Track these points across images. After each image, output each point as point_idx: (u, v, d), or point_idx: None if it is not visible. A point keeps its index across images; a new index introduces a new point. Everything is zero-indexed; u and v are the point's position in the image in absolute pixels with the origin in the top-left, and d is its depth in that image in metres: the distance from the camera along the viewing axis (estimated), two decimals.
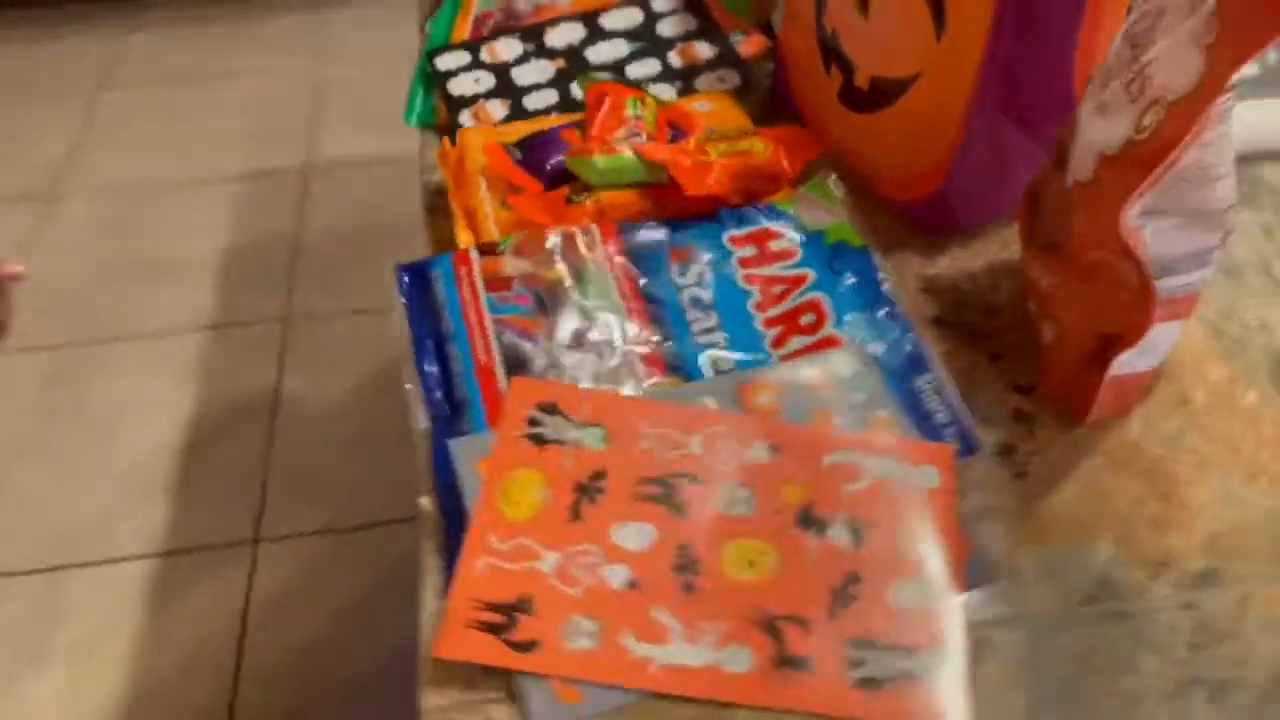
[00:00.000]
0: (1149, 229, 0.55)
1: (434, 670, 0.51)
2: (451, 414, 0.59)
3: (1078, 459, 0.59)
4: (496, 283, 0.63)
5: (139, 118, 2.62)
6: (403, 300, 0.64)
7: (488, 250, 0.65)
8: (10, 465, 1.80)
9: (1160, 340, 0.60)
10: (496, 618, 0.51)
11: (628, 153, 0.68)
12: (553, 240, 0.65)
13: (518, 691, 0.49)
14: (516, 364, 0.60)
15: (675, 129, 0.73)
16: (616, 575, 0.53)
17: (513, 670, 0.50)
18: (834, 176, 0.70)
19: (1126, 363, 0.59)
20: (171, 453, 1.85)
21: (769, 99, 0.85)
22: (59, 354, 2.07)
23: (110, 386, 1.98)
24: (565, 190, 0.69)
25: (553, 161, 0.71)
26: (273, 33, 2.87)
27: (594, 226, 0.66)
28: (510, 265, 0.64)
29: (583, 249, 0.65)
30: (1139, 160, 0.53)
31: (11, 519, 1.72)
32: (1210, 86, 0.49)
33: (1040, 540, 0.56)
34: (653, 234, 0.66)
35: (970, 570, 0.53)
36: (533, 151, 0.72)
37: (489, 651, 0.50)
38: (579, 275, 0.63)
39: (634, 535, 0.54)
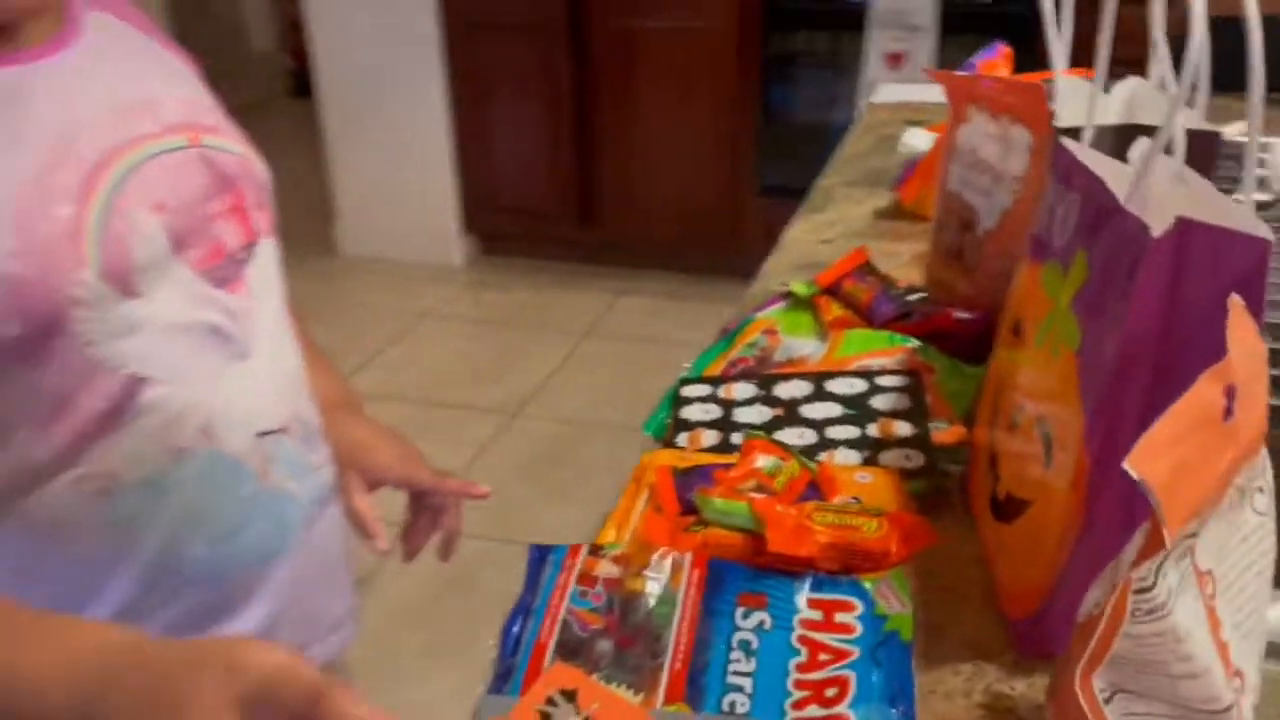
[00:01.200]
0: (1123, 707, 0.56)
1: None
2: (504, 675, 0.71)
3: None
4: (587, 579, 0.75)
5: (603, 366, 3.07)
6: (527, 573, 0.79)
7: (596, 550, 0.78)
8: (400, 630, 2.13)
9: None
10: None
11: (744, 501, 0.78)
12: (650, 558, 0.76)
13: None
14: (570, 650, 0.71)
15: (815, 490, 0.82)
16: None
17: None
18: (909, 570, 0.74)
19: None
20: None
21: (954, 484, 0.90)
22: (469, 543, 2.43)
23: (496, 581, 2.29)
24: (691, 519, 0.81)
25: (694, 492, 0.83)
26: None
27: (689, 555, 0.76)
28: (603, 568, 0.76)
29: (668, 569, 0.75)
30: (1086, 633, 0.54)
31: (383, 681, 2.02)
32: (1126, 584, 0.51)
33: None
34: (734, 574, 0.75)
35: None
36: (687, 479, 0.84)
37: None
38: (655, 591, 0.74)
39: None
